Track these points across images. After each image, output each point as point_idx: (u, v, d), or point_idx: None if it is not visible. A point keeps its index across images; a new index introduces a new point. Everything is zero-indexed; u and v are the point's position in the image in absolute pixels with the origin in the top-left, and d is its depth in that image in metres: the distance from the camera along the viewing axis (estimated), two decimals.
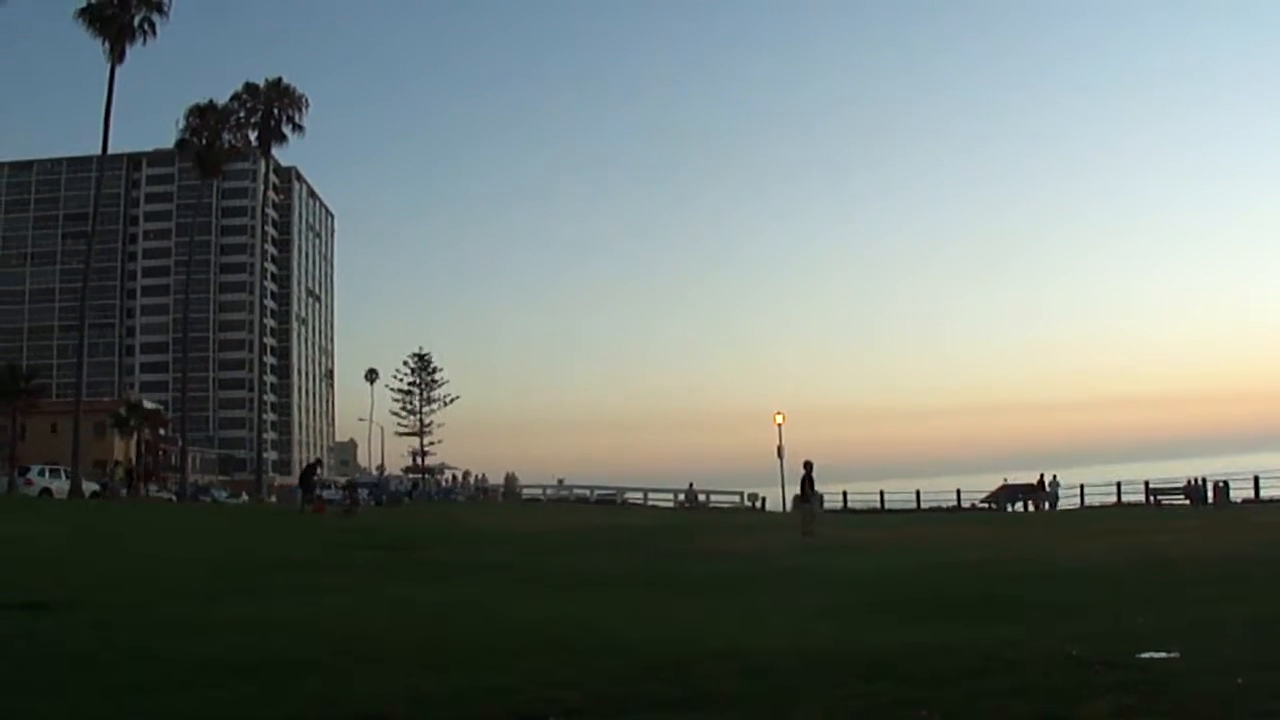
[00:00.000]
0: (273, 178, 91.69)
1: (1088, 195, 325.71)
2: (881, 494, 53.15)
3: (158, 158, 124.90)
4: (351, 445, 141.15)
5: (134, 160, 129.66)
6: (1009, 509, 47.85)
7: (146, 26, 46.86)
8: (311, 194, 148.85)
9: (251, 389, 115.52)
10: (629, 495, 60.48)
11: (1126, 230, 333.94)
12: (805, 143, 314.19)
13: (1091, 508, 44.48)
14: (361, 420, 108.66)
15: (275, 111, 59.10)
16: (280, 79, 59.73)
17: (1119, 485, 48.59)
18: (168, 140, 60.92)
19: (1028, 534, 24.95)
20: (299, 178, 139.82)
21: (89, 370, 79.90)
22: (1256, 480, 42.93)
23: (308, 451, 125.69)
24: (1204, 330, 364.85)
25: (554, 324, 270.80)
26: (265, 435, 78.88)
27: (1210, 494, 41.84)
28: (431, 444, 76.01)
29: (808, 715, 5.20)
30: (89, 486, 43.09)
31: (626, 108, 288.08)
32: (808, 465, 24.27)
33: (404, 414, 75.65)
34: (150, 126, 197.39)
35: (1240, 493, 42.06)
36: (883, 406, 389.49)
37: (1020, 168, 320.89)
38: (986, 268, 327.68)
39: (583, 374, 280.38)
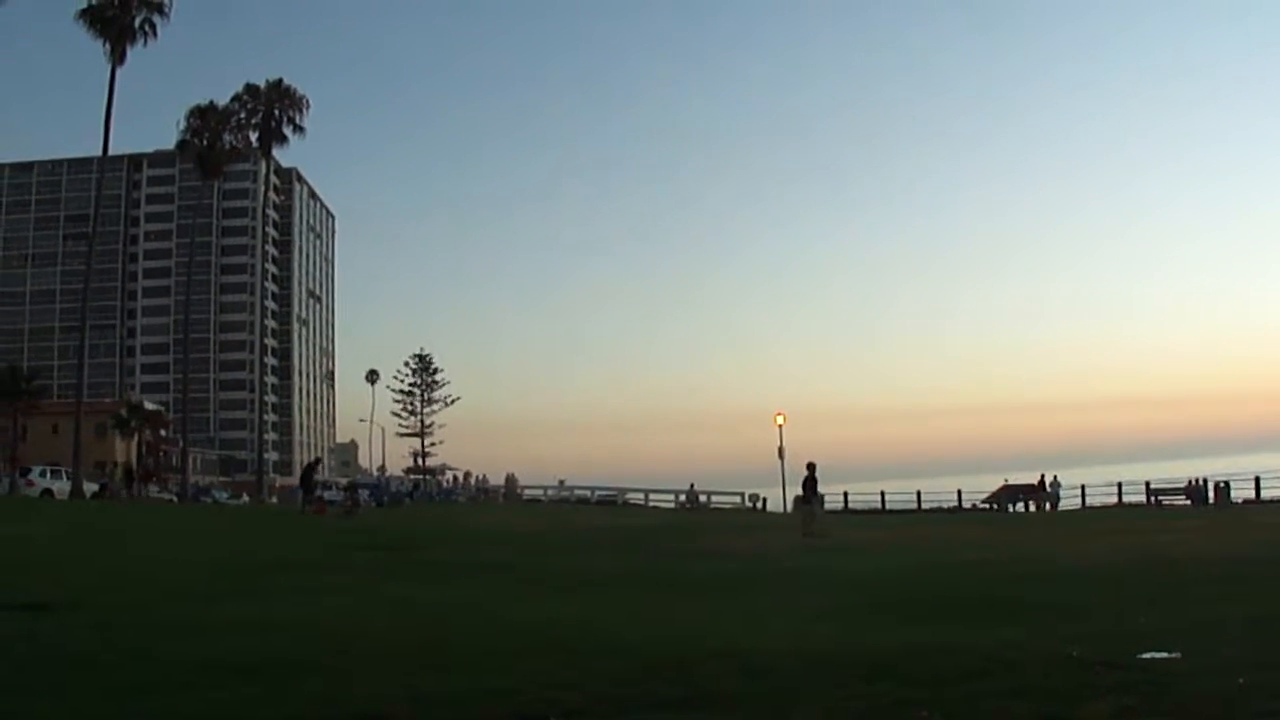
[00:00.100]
0: (273, 179, 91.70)
1: (1088, 196, 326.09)
2: (882, 494, 53.15)
3: (158, 159, 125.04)
4: (352, 446, 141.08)
5: (135, 161, 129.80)
6: (1010, 509, 47.85)
7: (147, 28, 46.96)
8: (312, 195, 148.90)
9: (252, 390, 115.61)
10: (630, 496, 60.51)
11: (1127, 231, 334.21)
12: (806, 144, 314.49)
13: (1093, 508, 44.49)
14: (362, 421, 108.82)
15: (276, 112, 59.10)
16: (281, 80, 59.82)
17: (1120, 486, 48.61)
18: (168, 141, 60.99)
19: (1028, 535, 24.95)
20: (300, 179, 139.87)
21: (90, 371, 79.96)
22: (1257, 481, 42.92)
23: (309, 453, 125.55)
24: (1205, 331, 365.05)
25: (555, 325, 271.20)
26: (266, 436, 78.95)
27: (1211, 494, 41.86)
28: (432, 445, 76.18)
29: (808, 715, 5.20)
30: (89, 487, 43.11)
31: (627, 109, 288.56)
32: (810, 467, 24.27)
33: (405, 415, 75.80)
34: (151, 128, 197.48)
35: (1241, 493, 42.09)
36: (883, 406, 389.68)
37: (1020, 168, 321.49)
38: (987, 268, 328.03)
39: (583, 375, 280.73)
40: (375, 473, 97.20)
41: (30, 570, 12.61)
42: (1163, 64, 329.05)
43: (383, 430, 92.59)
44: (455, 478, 78.96)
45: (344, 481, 64.89)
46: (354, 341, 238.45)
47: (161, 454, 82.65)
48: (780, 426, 44.37)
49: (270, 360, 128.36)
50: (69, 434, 46.24)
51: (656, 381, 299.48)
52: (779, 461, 43.05)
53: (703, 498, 54.79)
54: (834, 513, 44.06)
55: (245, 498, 65.09)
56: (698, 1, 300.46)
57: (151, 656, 6.79)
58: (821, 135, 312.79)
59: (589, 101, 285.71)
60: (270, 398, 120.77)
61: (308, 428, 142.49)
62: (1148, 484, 47.38)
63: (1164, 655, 6.49)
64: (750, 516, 45.45)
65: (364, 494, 49.19)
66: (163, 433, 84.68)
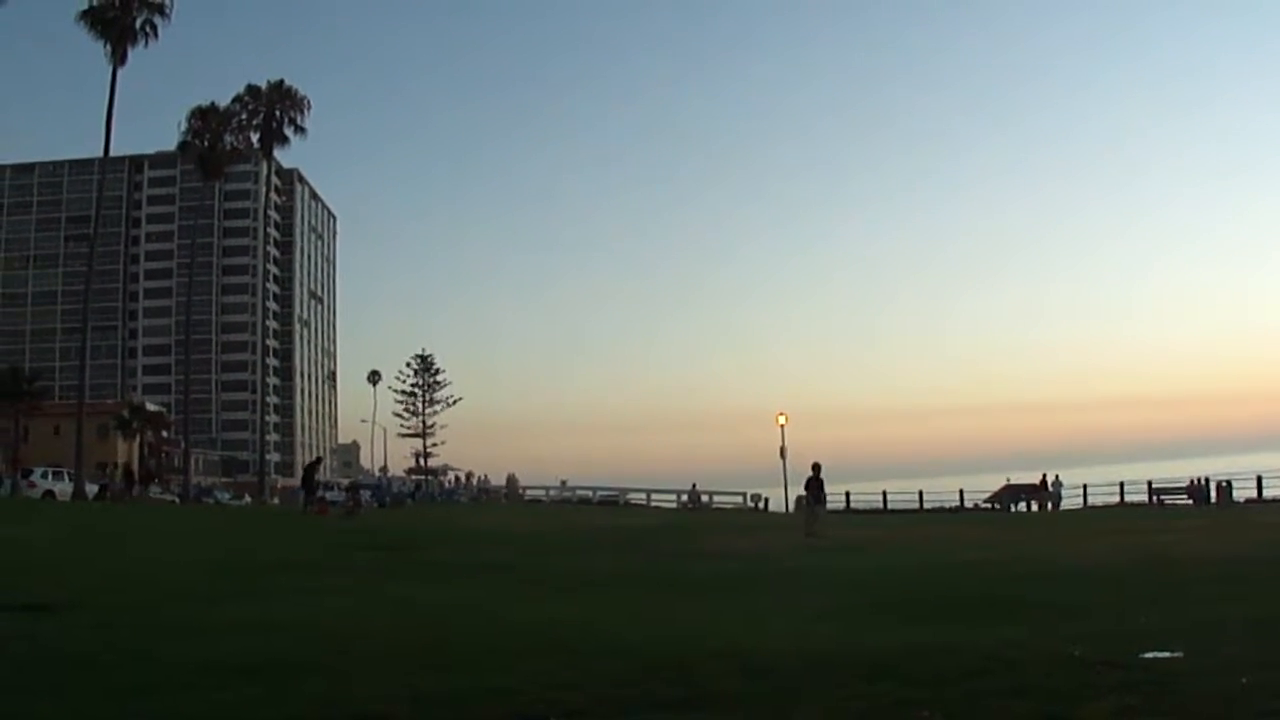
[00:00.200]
0: (274, 179, 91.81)
1: (1088, 195, 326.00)
2: (884, 494, 53.15)
3: (160, 160, 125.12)
4: (354, 447, 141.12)
5: (136, 162, 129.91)
6: (1012, 509, 47.84)
7: (148, 29, 46.99)
8: (313, 195, 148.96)
9: (254, 391, 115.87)
10: (632, 496, 60.54)
11: (1127, 230, 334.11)
12: (805, 142, 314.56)
13: (1094, 508, 44.48)
14: (364, 422, 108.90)
15: (277, 113, 59.14)
16: (282, 81, 59.86)
17: (1122, 485, 48.60)
18: (170, 142, 61.01)
19: (1030, 534, 24.95)
20: (301, 179, 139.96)
21: (91, 372, 79.85)
22: (1259, 480, 42.89)
23: (310, 453, 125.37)
24: (1205, 330, 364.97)
25: (555, 324, 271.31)
26: (268, 437, 78.84)
27: (1213, 494, 41.84)
28: (434, 446, 76.14)
29: (809, 716, 5.20)
30: (89, 489, 43.13)
31: (627, 108, 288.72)
32: (816, 467, 24.20)
33: (407, 416, 75.77)
34: (152, 129, 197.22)
35: (1243, 493, 42.08)
36: (883, 406, 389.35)
37: (1020, 168, 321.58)
38: (987, 267, 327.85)
39: (584, 375, 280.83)
40: (377, 473, 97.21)
41: (31, 571, 12.62)
42: (1163, 64, 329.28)
43: (384, 431, 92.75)
44: (457, 478, 78.94)
45: (346, 482, 64.91)
46: (355, 342, 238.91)
47: (163, 455, 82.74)
48: (782, 427, 44.40)
49: (272, 361, 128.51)
50: (71, 435, 46.26)
51: (657, 381, 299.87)
52: (781, 461, 43.06)
53: (704, 498, 54.82)
54: (836, 513, 43.97)
55: (247, 498, 65.12)
56: (698, 1, 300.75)
57: (153, 657, 6.79)
58: (821, 134, 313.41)
59: (588, 101, 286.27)
60: (272, 398, 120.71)
61: (309, 428, 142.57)
62: (1150, 483, 47.35)
63: (1165, 655, 6.48)
64: (752, 517, 45.45)
65: (366, 495, 49.21)
66: (164, 434, 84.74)
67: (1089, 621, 8.68)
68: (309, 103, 60.18)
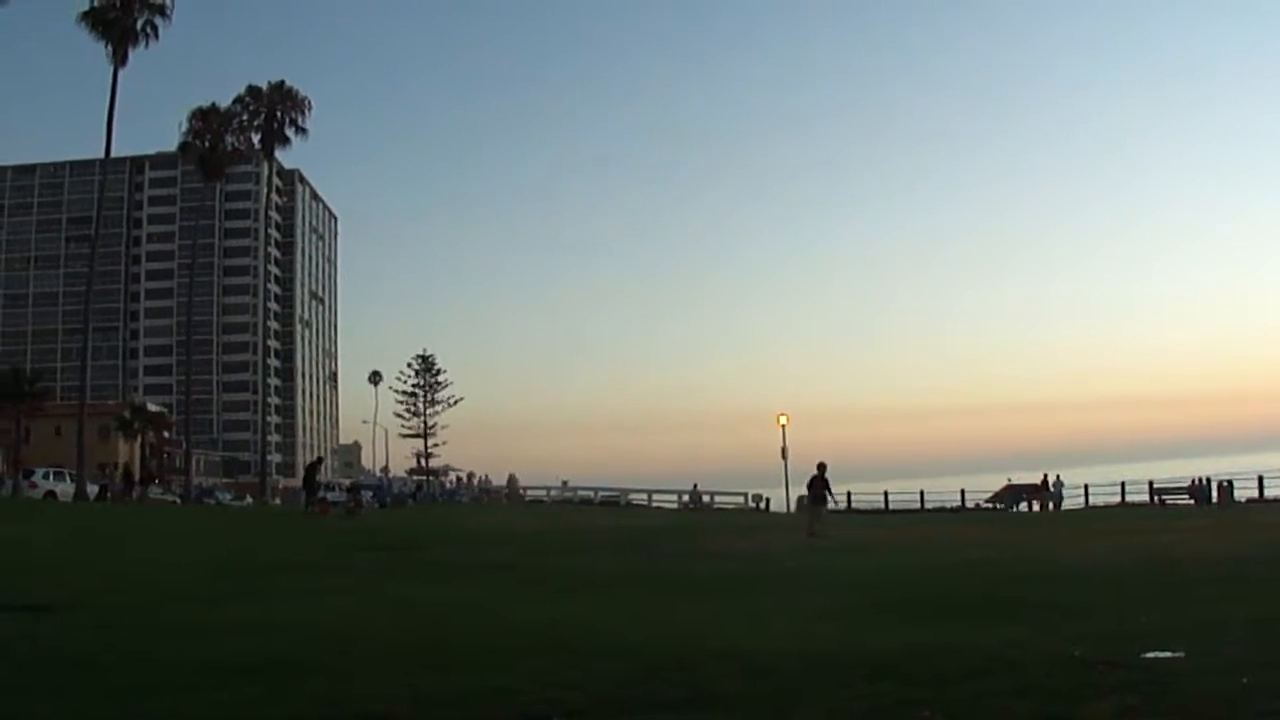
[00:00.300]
0: (275, 180, 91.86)
1: (1088, 195, 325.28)
2: (886, 494, 53.17)
3: (161, 161, 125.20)
4: (356, 447, 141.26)
5: (137, 163, 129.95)
6: (1013, 509, 47.84)
7: (149, 29, 46.95)
8: (314, 196, 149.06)
9: (255, 391, 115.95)
10: (633, 496, 60.58)
11: (1127, 230, 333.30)
12: (805, 142, 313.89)
13: (1096, 508, 44.47)
14: (365, 422, 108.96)
15: (278, 114, 59.13)
16: (283, 81, 59.78)
17: (1123, 485, 48.60)
18: (171, 143, 61.03)
19: (1031, 534, 24.93)
20: (302, 180, 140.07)
21: (93, 373, 79.75)
22: (1260, 480, 42.85)
23: (312, 454, 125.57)
24: (1206, 330, 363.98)
25: (555, 325, 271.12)
26: (269, 438, 78.72)
27: (1214, 494, 41.81)
28: (435, 446, 76.10)
29: (810, 716, 5.19)
30: (91, 489, 43.14)
31: (627, 108, 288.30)
32: (820, 467, 24.12)
33: (408, 416, 75.70)
34: (153, 129, 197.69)
35: (1244, 492, 42.06)
36: (883, 406, 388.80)
37: (1020, 168, 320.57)
38: (987, 267, 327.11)
39: (584, 375, 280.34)
40: (378, 474, 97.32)
41: (32, 572, 12.64)
42: (1163, 64, 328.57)
43: (385, 431, 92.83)
44: (458, 479, 78.98)
45: (347, 482, 64.94)
46: (356, 342, 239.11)
47: (165, 455, 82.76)
48: (783, 427, 44.43)
49: (273, 361, 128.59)
50: (72, 436, 46.24)
51: (657, 381, 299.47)
52: (782, 462, 43.09)
53: (706, 498, 54.85)
54: (837, 513, 43.93)
55: (248, 499, 65.16)
56: (698, 1, 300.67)
57: (153, 658, 6.80)
58: (821, 134, 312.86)
59: (588, 100, 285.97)
60: (273, 399, 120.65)
61: (311, 429, 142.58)
62: (1151, 484, 47.35)
63: (1167, 655, 6.47)
64: (753, 517, 45.46)
65: (367, 495, 49.23)
66: (166, 434, 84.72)
67: (1090, 621, 8.67)
68: (310, 103, 60.23)
